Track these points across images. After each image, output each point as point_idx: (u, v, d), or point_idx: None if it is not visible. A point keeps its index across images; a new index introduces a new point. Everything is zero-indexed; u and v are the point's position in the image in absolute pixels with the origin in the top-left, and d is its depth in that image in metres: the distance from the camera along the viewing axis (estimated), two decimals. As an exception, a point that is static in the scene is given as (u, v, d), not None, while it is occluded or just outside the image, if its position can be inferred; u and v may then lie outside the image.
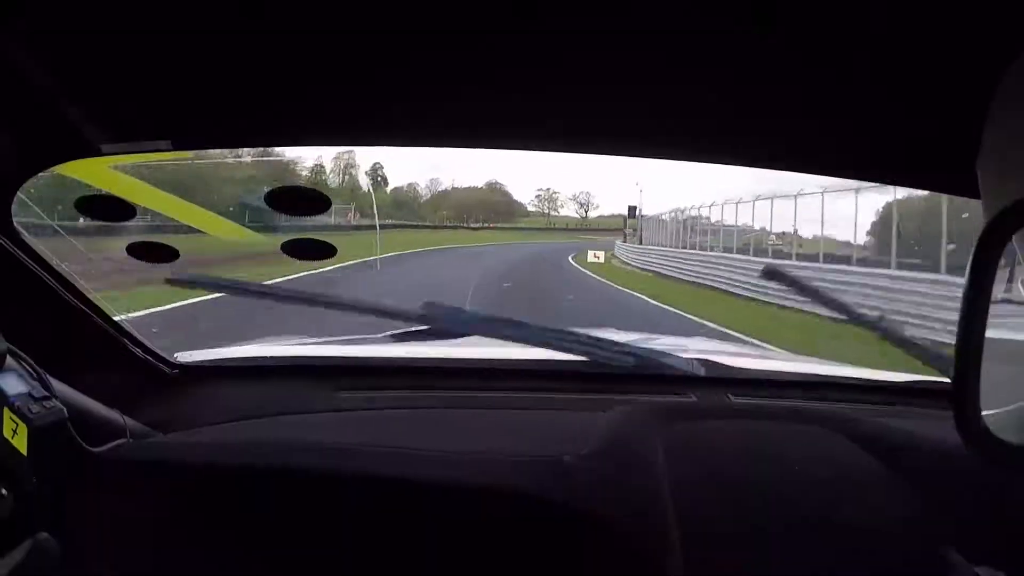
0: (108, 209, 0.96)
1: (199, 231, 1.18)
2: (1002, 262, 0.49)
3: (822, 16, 0.61)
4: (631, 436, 0.98)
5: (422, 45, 0.69)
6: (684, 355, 1.37)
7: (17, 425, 0.71)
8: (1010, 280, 0.54)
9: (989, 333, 0.48)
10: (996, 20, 0.56)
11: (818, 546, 0.84)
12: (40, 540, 0.77)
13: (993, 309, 0.49)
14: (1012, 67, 0.55)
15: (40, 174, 0.88)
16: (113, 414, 0.92)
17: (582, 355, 1.30)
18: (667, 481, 0.88)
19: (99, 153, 0.86)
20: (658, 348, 1.52)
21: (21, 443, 0.71)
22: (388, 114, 0.84)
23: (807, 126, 0.82)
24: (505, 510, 0.89)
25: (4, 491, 0.72)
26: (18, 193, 0.87)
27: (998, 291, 0.49)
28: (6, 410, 0.71)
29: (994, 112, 0.58)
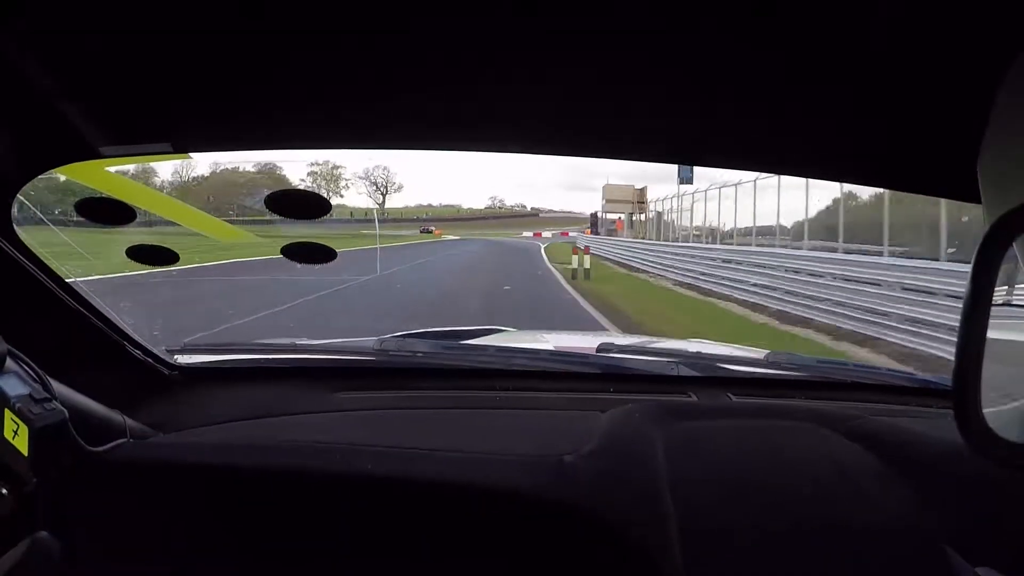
0: (108, 212, 0.96)
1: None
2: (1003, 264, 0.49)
3: (821, 17, 0.61)
4: (631, 435, 0.98)
5: (423, 46, 0.68)
6: (684, 355, 1.38)
7: (18, 426, 0.71)
8: (1010, 283, 0.54)
9: (990, 333, 0.49)
10: (996, 21, 0.56)
11: (817, 545, 0.84)
12: (40, 539, 0.77)
13: (994, 311, 0.49)
14: (1012, 68, 0.55)
15: (40, 176, 0.88)
16: (113, 414, 0.92)
17: (580, 357, 1.31)
18: (667, 480, 0.89)
19: (99, 155, 0.86)
20: (657, 348, 1.53)
21: (22, 444, 0.71)
22: (391, 116, 0.84)
23: (804, 130, 0.82)
24: (506, 509, 0.89)
25: (5, 491, 0.73)
26: (18, 195, 0.87)
27: (999, 293, 0.50)
28: (7, 411, 0.71)
29: (995, 115, 0.58)
